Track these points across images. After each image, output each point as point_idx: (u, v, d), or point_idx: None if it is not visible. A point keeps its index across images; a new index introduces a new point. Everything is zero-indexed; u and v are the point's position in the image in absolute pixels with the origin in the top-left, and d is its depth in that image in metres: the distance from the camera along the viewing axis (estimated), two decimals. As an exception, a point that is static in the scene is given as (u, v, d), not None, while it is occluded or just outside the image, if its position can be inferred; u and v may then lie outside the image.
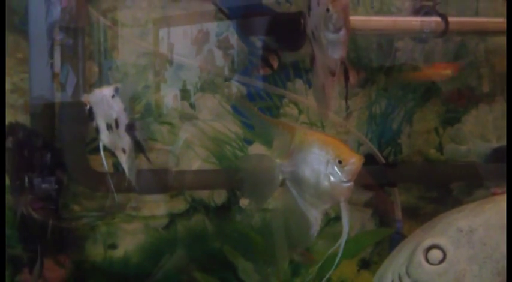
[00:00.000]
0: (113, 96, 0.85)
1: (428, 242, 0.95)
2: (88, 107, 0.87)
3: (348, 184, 0.79)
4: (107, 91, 0.85)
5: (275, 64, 1.23)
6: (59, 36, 1.09)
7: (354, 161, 0.79)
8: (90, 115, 0.87)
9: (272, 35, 1.22)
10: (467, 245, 0.93)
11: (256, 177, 0.89)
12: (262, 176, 0.87)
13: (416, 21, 1.29)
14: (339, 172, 0.79)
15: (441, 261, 0.93)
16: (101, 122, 0.87)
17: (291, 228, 0.88)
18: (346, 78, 0.84)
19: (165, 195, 1.22)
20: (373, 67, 1.34)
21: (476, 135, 1.41)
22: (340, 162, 0.79)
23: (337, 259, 0.85)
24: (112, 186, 0.94)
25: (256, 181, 0.89)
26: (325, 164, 0.80)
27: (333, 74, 0.83)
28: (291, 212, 0.86)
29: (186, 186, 1.22)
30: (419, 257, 0.94)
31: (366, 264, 1.35)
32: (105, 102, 0.85)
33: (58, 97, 1.13)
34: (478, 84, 1.41)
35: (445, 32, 1.28)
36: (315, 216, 0.84)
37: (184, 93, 1.22)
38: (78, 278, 1.16)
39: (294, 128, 0.86)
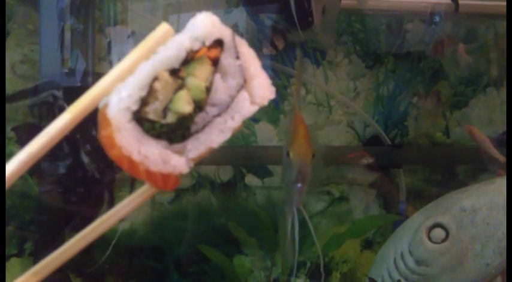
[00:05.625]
0: (128, 37, 0.89)
1: (431, 221, 0.96)
2: (108, 40, 0.92)
3: (298, 185, 0.70)
4: (125, 30, 0.90)
5: (280, 45, 1.23)
6: (69, 21, 1.11)
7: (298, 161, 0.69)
8: (109, 48, 0.92)
9: (281, 14, 1.22)
10: (470, 224, 0.93)
11: None
12: None
13: (426, 2, 1.28)
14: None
15: (444, 240, 0.94)
16: (114, 57, 0.91)
17: None
18: None
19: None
20: (382, 48, 1.34)
21: (483, 119, 1.41)
22: (288, 154, 0.72)
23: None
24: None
25: None
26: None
27: None
28: None
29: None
30: (422, 235, 0.95)
31: (369, 245, 1.36)
32: (122, 39, 0.90)
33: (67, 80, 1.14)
34: (487, 69, 1.41)
35: (455, 15, 1.27)
36: None
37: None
38: (84, 249, 1.18)
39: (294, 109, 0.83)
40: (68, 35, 1.10)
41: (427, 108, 1.32)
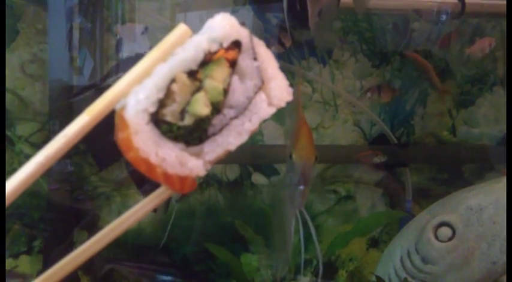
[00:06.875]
0: (142, 33, 0.88)
1: (438, 220, 0.96)
2: (118, 37, 0.91)
3: (300, 187, 0.69)
4: (138, 27, 0.89)
5: (287, 43, 1.24)
6: (78, 20, 1.12)
7: (301, 163, 0.68)
8: (118, 46, 0.91)
9: (287, 13, 1.22)
10: (476, 223, 0.94)
11: None
12: None
13: (433, 2, 1.28)
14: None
15: (450, 239, 0.94)
16: (125, 54, 0.91)
17: None
18: None
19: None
20: (388, 47, 1.34)
21: (490, 117, 1.41)
22: (290, 155, 0.71)
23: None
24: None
25: None
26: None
27: None
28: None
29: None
30: (429, 234, 0.95)
31: (375, 243, 1.36)
32: (134, 36, 0.89)
33: (76, 79, 1.15)
34: (494, 68, 1.41)
35: (462, 14, 1.27)
36: None
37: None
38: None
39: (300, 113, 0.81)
40: (76, 34, 1.10)
41: (383, 101, 1.32)
